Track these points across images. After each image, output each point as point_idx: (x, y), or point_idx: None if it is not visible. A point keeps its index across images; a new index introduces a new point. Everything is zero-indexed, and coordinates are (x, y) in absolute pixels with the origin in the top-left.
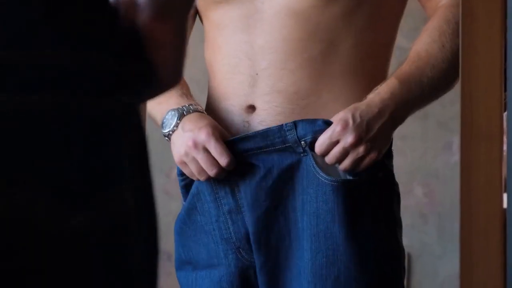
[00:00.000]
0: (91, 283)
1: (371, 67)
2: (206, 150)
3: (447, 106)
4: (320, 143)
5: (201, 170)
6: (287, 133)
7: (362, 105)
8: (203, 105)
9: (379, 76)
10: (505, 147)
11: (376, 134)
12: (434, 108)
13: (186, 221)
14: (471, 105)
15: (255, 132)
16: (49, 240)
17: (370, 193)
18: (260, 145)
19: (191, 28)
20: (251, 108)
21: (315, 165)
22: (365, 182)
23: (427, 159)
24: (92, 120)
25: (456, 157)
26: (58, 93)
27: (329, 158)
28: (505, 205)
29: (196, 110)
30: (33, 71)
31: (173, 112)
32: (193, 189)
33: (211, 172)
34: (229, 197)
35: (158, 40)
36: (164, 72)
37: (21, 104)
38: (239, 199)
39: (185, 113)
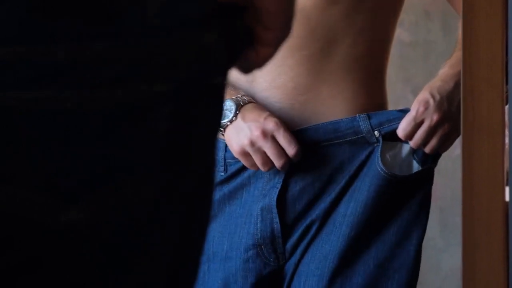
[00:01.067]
0: (88, 279)
1: (369, 64)
2: (274, 140)
3: None
4: (404, 127)
5: (267, 160)
6: (360, 123)
7: (437, 81)
8: None
9: (378, 72)
10: (507, 140)
11: (457, 108)
12: None
13: (225, 209)
14: (472, 98)
15: (325, 122)
16: (43, 235)
17: (421, 187)
18: (331, 137)
19: None
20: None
21: (379, 157)
22: (422, 176)
23: None
24: (95, 113)
25: (458, 151)
26: (57, 87)
27: (415, 141)
28: (507, 198)
29: (250, 101)
30: (32, 66)
31: (230, 103)
32: (239, 182)
33: (279, 162)
34: (270, 193)
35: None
36: (275, 22)
37: (17, 100)
38: (275, 198)
39: (242, 104)
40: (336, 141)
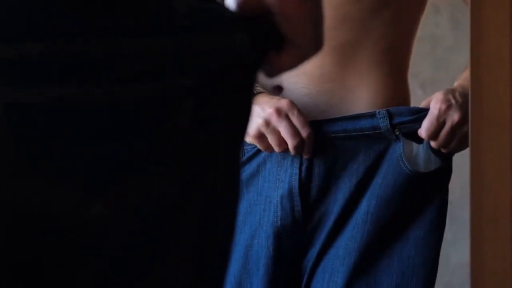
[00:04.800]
0: (113, 275)
1: (395, 57)
2: (288, 119)
3: None
4: (427, 127)
5: (281, 141)
6: (380, 120)
7: (457, 87)
8: None
9: (402, 66)
10: None
11: None
12: None
13: (243, 196)
14: (480, 93)
15: (344, 116)
16: (68, 230)
17: (442, 182)
18: (349, 128)
19: None
20: (278, 88)
21: (402, 154)
22: (442, 172)
23: None
24: (115, 108)
25: None
26: (80, 83)
27: (439, 142)
28: None
29: (261, 91)
30: (54, 62)
31: None
32: (254, 168)
33: (293, 141)
34: (288, 181)
35: (287, 13)
36: (300, 43)
37: (35, 96)
38: (294, 186)
39: (256, 92)
40: (354, 133)
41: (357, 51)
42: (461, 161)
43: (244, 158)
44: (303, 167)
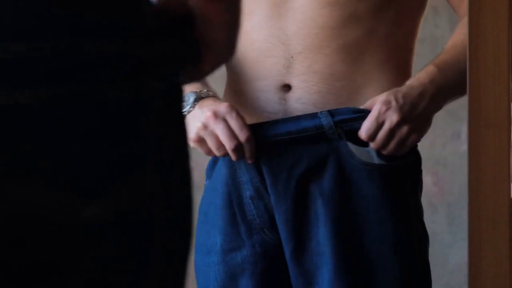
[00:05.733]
0: (106, 275)
1: (400, 57)
2: (225, 122)
3: None
4: (367, 127)
5: (220, 144)
6: (322, 119)
7: (403, 88)
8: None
9: (406, 65)
10: None
11: (419, 115)
12: None
13: (210, 202)
14: (479, 94)
15: (286, 117)
16: (61, 233)
17: (403, 178)
18: (291, 130)
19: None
20: (287, 87)
21: (350, 151)
22: (399, 167)
23: (436, 148)
24: (106, 108)
25: (465, 146)
26: (71, 83)
27: (377, 142)
28: None
29: (214, 96)
30: (45, 63)
31: (191, 94)
32: (217, 171)
33: (231, 144)
34: (251, 184)
35: (210, 19)
36: (218, 49)
37: (29, 98)
38: (259, 186)
39: (203, 96)
40: (297, 135)
41: (364, 50)
42: (460, 162)
43: (210, 162)
44: (258, 171)
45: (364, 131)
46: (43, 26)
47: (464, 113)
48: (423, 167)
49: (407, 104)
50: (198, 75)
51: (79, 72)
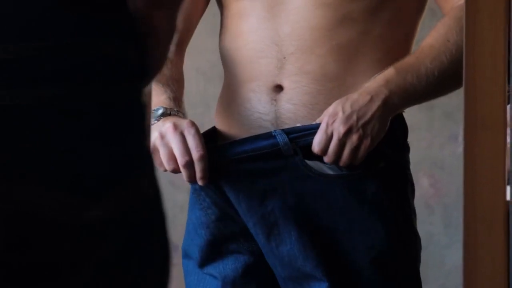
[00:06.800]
0: (107, 276)
1: (395, 58)
2: (183, 136)
3: (453, 97)
4: (318, 141)
5: (171, 157)
6: (277, 137)
7: (355, 94)
8: (210, 95)
9: None
10: (509, 139)
11: (369, 120)
12: (440, 98)
13: (191, 215)
14: (475, 97)
15: (244, 137)
16: (61, 233)
17: (373, 184)
18: (247, 149)
19: (198, 20)
20: (279, 87)
21: (307, 165)
22: (364, 174)
23: (433, 150)
24: (106, 109)
25: (462, 148)
26: (71, 85)
27: (329, 156)
28: (508, 197)
29: (182, 117)
30: (45, 64)
31: (160, 108)
32: (191, 190)
33: (182, 159)
34: (214, 207)
35: (151, 26)
36: (153, 58)
37: (31, 98)
38: (225, 206)
39: (171, 113)
40: (251, 153)
41: (357, 51)
42: (457, 164)
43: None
44: (220, 192)
45: (316, 145)
46: (42, 26)
47: (461, 115)
48: (420, 169)
49: (354, 112)
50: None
51: (79, 73)
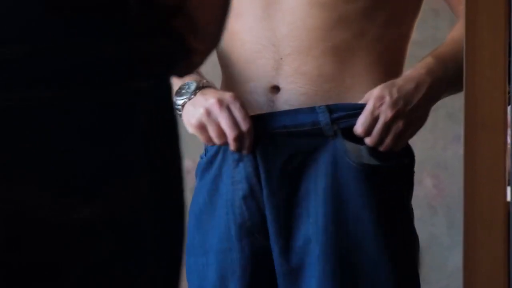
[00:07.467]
0: (100, 276)
1: (390, 59)
2: (229, 110)
3: (456, 98)
4: (362, 122)
5: (221, 132)
6: (319, 115)
7: (399, 80)
8: None
9: (397, 68)
10: (509, 140)
11: (414, 108)
12: (444, 99)
13: (207, 202)
14: (475, 98)
15: (284, 110)
16: (55, 234)
17: (397, 179)
18: (288, 125)
19: None
20: (275, 88)
21: (345, 149)
22: (394, 168)
23: (436, 150)
24: (99, 110)
25: None
26: (62, 87)
27: (373, 138)
28: (508, 198)
29: (214, 87)
30: (38, 66)
31: (192, 82)
32: (215, 170)
33: (233, 133)
34: (246, 181)
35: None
36: (207, 36)
37: (24, 100)
38: (255, 183)
39: (203, 85)
40: (293, 129)
41: (353, 52)
42: (460, 165)
43: (207, 157)
44: (255, 165)
45: (359, 125)
46: (42, 27)
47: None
48: (423, 169)
49: (401, 97)
50: (189, 68)
51: (78, 73)
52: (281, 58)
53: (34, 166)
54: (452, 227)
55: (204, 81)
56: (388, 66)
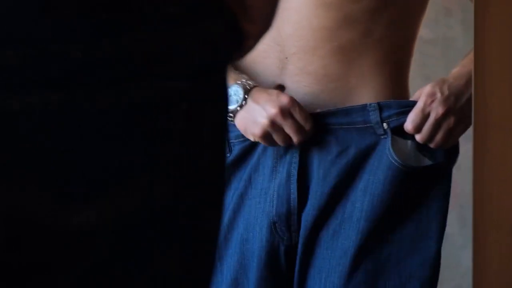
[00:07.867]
0: (101, 276)
1: (397, 58)
2: (292, 116)
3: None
4: (413, 119)
5: (287, 137)
6: (370, 113)
7: (450, 78)
8: None
9: (403, 67)
10: None
11: (465, 105)
12: None
13: (236, 192)
14: (484, 96)
15: (337, 108)
16: (55, 234)
17: (443, 179)
18: (342, 121)
19: None
20: (281, 87)
21: (390, 148)
22: (441, 168)
23: None
24: (101, 112)
25: None
26: (67, 86)
27: (423, 134)
28: None
29: (256, 85)
30: (42, 67)
31: (237, 87)
32: (252, 161)
33: (299, 137)
34: (286, 168)
35: None
36: (261, 16)
37: (26, 103)
38: (293, 173)
39: (248, 88)
40: (346, 126)
41: (359, 52)
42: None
43: (234, 154)
44: (300, 156)
45: (409, 122)
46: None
47: None
48: None
49: (452, 95)
50: (241, 54)
51: (78, 73)
52: (286, 58)
53: (34, 166)
54: (465, 227)
55: (244, 80)
56: (394, 66)
